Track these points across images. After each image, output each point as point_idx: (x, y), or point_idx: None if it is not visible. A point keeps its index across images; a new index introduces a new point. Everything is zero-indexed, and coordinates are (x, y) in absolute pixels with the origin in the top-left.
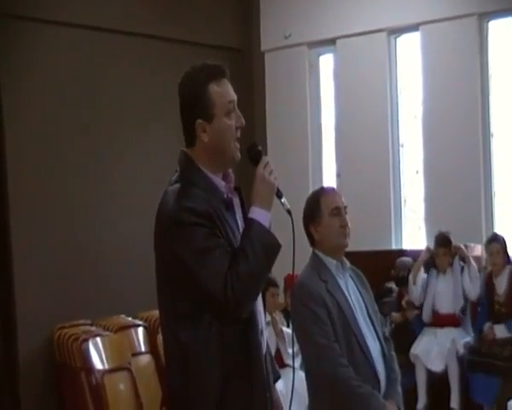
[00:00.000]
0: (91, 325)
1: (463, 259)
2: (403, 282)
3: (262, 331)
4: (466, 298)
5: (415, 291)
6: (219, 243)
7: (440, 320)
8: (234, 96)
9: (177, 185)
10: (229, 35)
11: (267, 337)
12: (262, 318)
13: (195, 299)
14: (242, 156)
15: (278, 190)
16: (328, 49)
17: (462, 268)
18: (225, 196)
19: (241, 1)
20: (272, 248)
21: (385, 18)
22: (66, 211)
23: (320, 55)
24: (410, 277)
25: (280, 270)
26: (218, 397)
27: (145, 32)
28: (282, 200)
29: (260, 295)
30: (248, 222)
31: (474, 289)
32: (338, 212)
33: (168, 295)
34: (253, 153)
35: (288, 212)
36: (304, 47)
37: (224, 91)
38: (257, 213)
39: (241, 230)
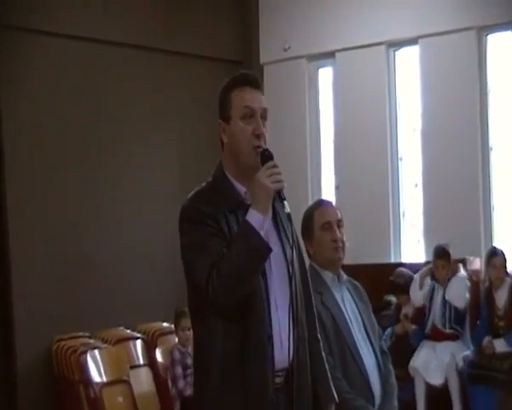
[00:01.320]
0: (90, 337)
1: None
2: (398, 289)
3: (270, 337)
4: (458, 312)
5: (418, 294)
6: (217, 242)
7: (439, 334)
8: (254, 104)
9: (202, 185)
10: (228, 48)
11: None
12: (285, 321)
13: (198, 294)
14: None
15: (281, 193)
16: (327, 62)
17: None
18: (248, 201)
19: (241, 14)
20: (257, 251)
21: (384, 31)
22: (65, 222)
23: (319, 67)
24: (417, 277)
25: None
26: (217, 389)
27: (146, 44)
28: (284, 202)
29: (289, 300)
30: (241, 223)
31: (459, 297)
32: (329, 226)
33: (189, 294)
34: (262, 158)
35: (288, 215)
36: (303, 60)
37: (243, 96)
38: (250, 215)
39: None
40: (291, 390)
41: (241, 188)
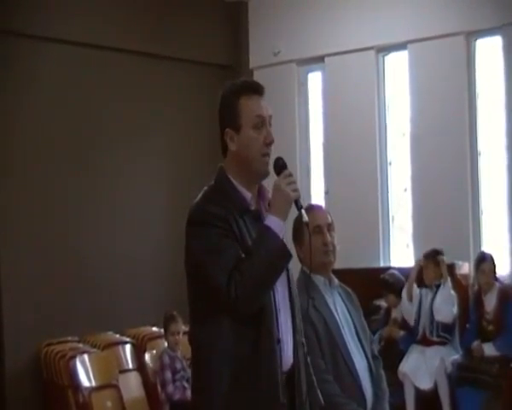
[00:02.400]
0: (79, 341)
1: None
2: (388, 287)
3: (279, 340)
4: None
5: (410, 309)
6: (232, 245)
7: (428, 340)
8: (264, 112)
9: (205, 188)
10: (218, 52)
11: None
12: (286, 325)
13: (208, 297)
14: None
15: (298, 202)
16: (316, 67)
17: (438, 286)
18: (252, 207)
19: (230, 18)
20: (278, 255)
21: (373, 36)
22: (54, 227)
23: (309, 72)
24: (404, 294)
25: None
26: (226, 397)
27: (135, 48)
28: (302, 211)
29: (289, 307)
30: (260, 227)
31: (446, 315)
32: (319, 230)
33: (189, 295)
34: (277, 166)
35: (306, 224)
36: (293, 64)
37: (254, 105)
38: (270, 220)
39: None
40: (292, 391)
41: (246, 193)
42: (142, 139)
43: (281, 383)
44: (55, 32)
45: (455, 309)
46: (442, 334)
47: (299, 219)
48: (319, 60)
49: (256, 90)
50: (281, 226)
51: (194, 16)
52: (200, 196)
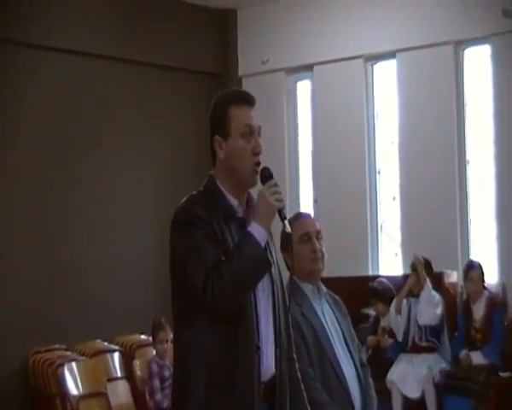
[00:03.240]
0: (67, 349)
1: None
2: (376, 295)
3: (258, 347)
4: (433, 326)
5: (398, 323)
6: (213, 247)
7: (416, 347)
8: (253, 122)
9: (194, 192)
10: (206, 60)
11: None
12: (267, 336)
13: (187, 297)
14: None
15: (282, 212)
16: (305, 76)
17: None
18: (239, 215)
19: (219, 26)
20: (259, 261)
21: (362, 45)
22: (41, 233)
23: (298, 80)
24: (393, 307)
25: None
26: (202, 397)
27: (124, 56)
28: (285, 222)
29: (272, 317)
30: (242, 233)
31: (430, 318)
32: (308, 238)
33: (173, 299)
34: (263, 176)
35: (289, 235)
36: (281, 73)
37: (243, 115)
38: (253, 228)
39: None
40: (273, 404)
41: (233, 201)
42: (129, 147)
43: (257, 393)
44: (37, 38)
45: (439, 310)
46: (430, 338)
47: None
48: (308, 68)
49: (247, 100)
50: (263, 234)
51: (182, 24)
52: (186, 197)
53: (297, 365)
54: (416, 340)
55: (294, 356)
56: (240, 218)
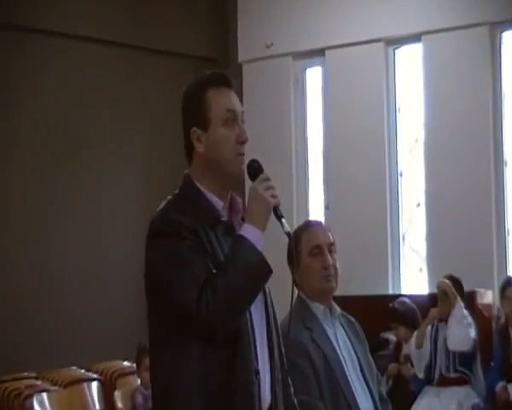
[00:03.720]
0: (37, 378)
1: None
2: (397, 317)
3: (258, 372)
4: (464, 352)
5: (420, 357)
6: (201, 259)
7: (444, 379)
8: (236, 107)
9: (169, 197)
10: (202, 43)
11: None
12: (263, 357)
13: (174, 320)
14: None
15: (278, 210)
16: (316, 61)
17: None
18: (224, 218)
19: (217, 4)
20: (257, 268)
21: (382, 26)
22: (8, 246)
23: (307, 67)
24: (413, 341)
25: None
26: None
27: (115, 40)
28: (282, 220)
29: (265, 333)
30: (235, 238)
31: (462, 341)
32: (319, 251)
33: (151, 319)
34: (252, 169)
35: (288, 235)
36: (288, 58)
37: (224, 99)
38: (246, 230)
39: None
40: None
41: (217, 202)
42: (117, 139)
43: None
44: (27, 21)
45: (472, 333)
46: (460, 368)
47: (294, 237)
48: (319, 53)
49: (225, 82)
50: (259, 237)
51: (175, 2)
52: (162, 205)
53: (292, 389)
54: (443, 371)
55: (289, 380)
56: (225, 222)
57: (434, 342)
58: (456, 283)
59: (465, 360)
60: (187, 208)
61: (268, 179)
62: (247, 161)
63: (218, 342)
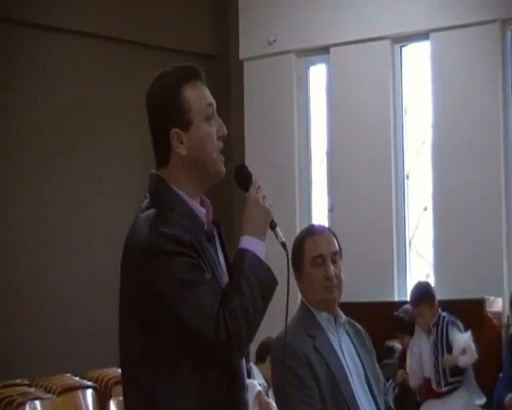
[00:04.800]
0: (29, 385)
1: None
2: (403, 327)
3: (247, 404)
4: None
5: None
6: (205, 276)
7: (432, 393)
8: (212, 100)
9: (152, 211)
10: (202, 39)
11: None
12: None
13: (173, 342)
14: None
15: (272, 220)
16: (320, 59)
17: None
18: (205, 226)
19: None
20: (269, 285)
21: (389, 23)
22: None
23: (310, 65)
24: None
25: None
26: None
27: (112, 35)
28: (277, 230)
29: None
30: (240, 253)
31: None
32: (322, 261)
33: (136, 340)
34: (243, 175)
35: (283, 245)
36: (291, 55)
37: (201, 93)
38: (250, 243)
39: (222, 266)
40: None
41: (198, 209)
42: (111, 137)
43: None
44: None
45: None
46: (452, 380)
47: (298, 243)
48: (323, 50)
49: (198, 75)
50: (263, 249)
51: None
52: (148, 220)
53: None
54: (434, 387)
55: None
56: (208, 230)
57: (420, 367)
58: (425, 293)
59: (455, 369)
60: (177, 220)
61: (261, 187)
62: (230, 165)
63: (217, 370)
